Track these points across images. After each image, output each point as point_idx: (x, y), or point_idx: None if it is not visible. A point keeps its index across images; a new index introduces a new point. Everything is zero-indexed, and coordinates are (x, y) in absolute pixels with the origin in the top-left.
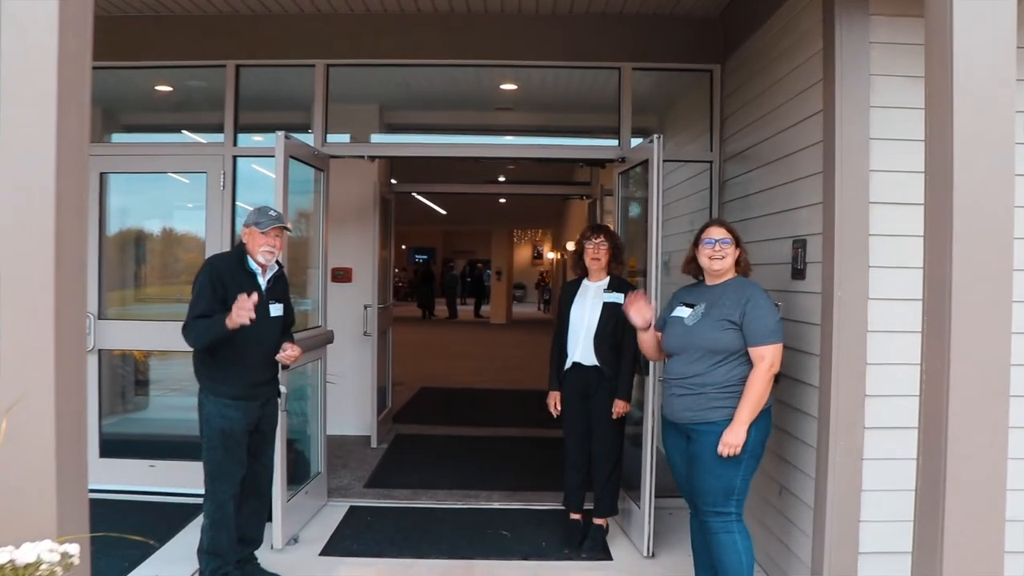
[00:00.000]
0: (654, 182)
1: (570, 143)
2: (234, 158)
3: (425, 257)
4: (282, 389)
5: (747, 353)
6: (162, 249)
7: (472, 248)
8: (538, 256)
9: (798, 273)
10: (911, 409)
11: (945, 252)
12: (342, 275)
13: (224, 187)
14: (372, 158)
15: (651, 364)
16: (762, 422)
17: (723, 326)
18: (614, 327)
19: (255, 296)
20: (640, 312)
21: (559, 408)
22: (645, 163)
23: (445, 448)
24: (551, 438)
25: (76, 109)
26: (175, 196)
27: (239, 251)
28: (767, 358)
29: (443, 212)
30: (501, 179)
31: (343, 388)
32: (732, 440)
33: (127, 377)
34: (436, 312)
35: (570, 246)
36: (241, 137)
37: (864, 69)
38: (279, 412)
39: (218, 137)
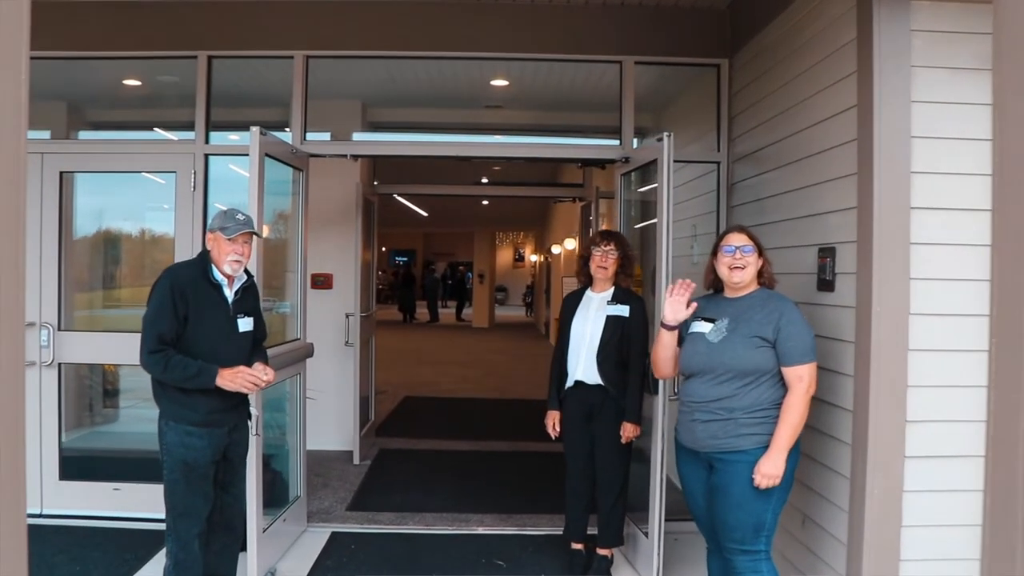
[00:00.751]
0: (664, 185)
1: (568, 142)
2: (206, 156)
3: (405, 259)
4: (253, 412)
5: (779, 373)
6: (136, 253)
7: (453, 250)
8: (520, 258)
9: (825, 284)
10: (959, 435)
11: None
12: (322, 281)
13: (195, 188)
14: (355, 157)
15: (660, 382)
16: (794, 450)
17: (755, 344)
18: (619, 342)
19: (270, 375)
20: (675, 307)
21: (558, 429)
22: (649, 164)
23: (432, 464)
24: (542, 452)
25: (9, 96)
26: (149, 197)
27: (203, 260)
28: (805, 379)
29: (424, 214)
30: (484, 180)
31: (324, 401)
32: (772, 471)
33: (94, 388)
34: (417, 315)
35: (555, 249)
36: (214, 135)
37: (905, 59)
38: (251, 437)
39: (189, 134)
